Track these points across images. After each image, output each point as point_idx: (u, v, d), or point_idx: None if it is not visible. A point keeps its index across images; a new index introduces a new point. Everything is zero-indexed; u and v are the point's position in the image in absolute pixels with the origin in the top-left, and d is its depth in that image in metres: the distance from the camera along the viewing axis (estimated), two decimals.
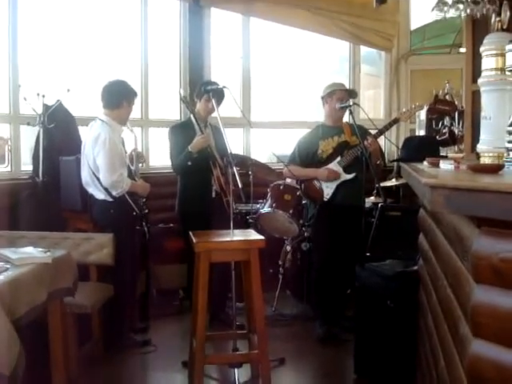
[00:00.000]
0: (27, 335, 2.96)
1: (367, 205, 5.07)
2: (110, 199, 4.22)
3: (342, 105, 4.59)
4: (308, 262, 4.97)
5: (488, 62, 2.35)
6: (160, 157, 5.79)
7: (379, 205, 4.91)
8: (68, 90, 4.77)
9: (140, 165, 4.62)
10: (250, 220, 5.04)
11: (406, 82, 6.84)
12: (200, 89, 4.74)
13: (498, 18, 2.57)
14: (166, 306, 5.24)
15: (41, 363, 3.41)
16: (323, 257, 4.62)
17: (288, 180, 5.08)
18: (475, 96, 3.60)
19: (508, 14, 2.74)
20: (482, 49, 2.37)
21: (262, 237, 3.59)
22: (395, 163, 5.67)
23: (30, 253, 3.38)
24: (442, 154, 4.10)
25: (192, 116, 4.66)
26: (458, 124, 4.71)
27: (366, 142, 4.42)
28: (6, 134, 4.85)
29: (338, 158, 4.63)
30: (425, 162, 2.77)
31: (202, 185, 4.66)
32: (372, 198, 5.47)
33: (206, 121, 4.81)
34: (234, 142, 6.12)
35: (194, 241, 3.43)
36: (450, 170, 2.29)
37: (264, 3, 6.25)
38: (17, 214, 4.61)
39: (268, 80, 6.82)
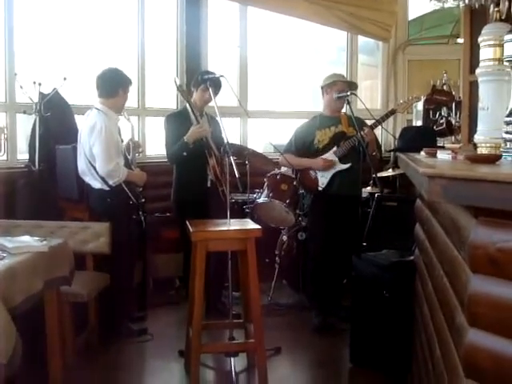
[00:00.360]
0: (24, 324, 2.97)
1: (364, 195, 5.08)
2: (107, 188, 4.21)
3: (340, 94, 4.58)
4: (304, 251, 4.98)
5: (486, 53, 2.34)
6: (157, 146, 5.77)
7: (376, 195, 4.92)
8: (64, 79, 4.75)
9: (137, 154, 4.61)
10: (247, 210, 5.05)
11: (403, 73, 6.82)
12: (197, 78, 4.72)
13: (496, 8, 2.55)
14: (163, 295, 5.25)
15: (37, 352, 3.42)
16: (319, 247, 4.63)
17: (284, 169, 5.07)
18: (472, 86, 3.59)
19: (507, 4, 2.73)
20: (479, 39, 2.37)
21: (258, 226, 3.59)
22: (392, 153, 5.67)
23: (27, 241, 3.37)
24: (439, 144, 4.11)
25: (188, 105, 4.64)
26: (455, 114, 4.72)
27: (362, 133, 4.42)
28: (2, 123, 4.83)
29: (334, 148, 4.63)
30: (422, 152, 2.77)
31: (198, 174, 4.65)
32: (369, 188, 5.47)
33: (202, 110, 4.79)
34: (231, 132, 6.10)
35: (191, 230, 3.44)
36: (447, 160, 2.29)
37: None
38: (13, 202, 4.59)
39: (265, 69, 6.80)
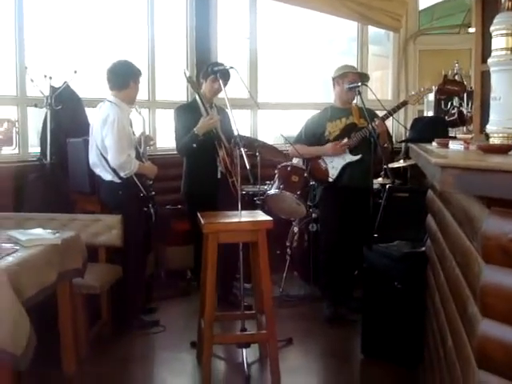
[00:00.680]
0: (37, 316, 2.99)
1: (375, 186, 5.07)
2: (118, 180, 4.22)
3: (351, 85, 4.56)
4: (315, 243, 4.98)
5: (498, 42, 2.32)
6: (167, 138, 5.78)
7: (387, 186, 4.90)
8: (75, 72, 4.76)
9: (148, 147, 4.62)
10: (258, 201, 5.05)
11: (414, 63, 6.79)
12: (206, 69, 4.72)
13: None
14: (174, 287, 5.27)
15: (51, 343, 3.44)
16: (331, 238, 4.62)
17: (295, 161, 5.07)
18: (484, 76, 3.56)
19: None
20: (492, 28, 2.35)
21: (269, 218, 3.59)
22: (403, 144, 5.64)
23: (39, 234, 3.40)
24: (450, 134, 4.08)
25: (197, 96, 4.64)
26: (467, 105, 4.69)
27: (373, 124, 4.40)
28: (14, 116, 4.86)
29: (345, 140, 4.61)
30: (434, 143, 2.75)
31: (208, 166, 4.65)
32: (380, 179, 5.45)
33: (212, 102, 4.79)
34: (241, 124, 6.10)
35: (202, 222, 3.44)
36: (459, 151, 2.28)
37: None
38: (25, 196, 4.62)
39: (275, 61, 6.78)
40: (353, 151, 4.60)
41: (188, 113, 4.68)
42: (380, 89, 7.02)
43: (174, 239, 5.40)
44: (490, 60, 2.34)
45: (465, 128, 4.55)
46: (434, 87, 4.99)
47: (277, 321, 3.55)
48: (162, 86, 6.04)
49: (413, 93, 4.80)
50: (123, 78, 4.33)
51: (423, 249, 3.51)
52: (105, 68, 4.36)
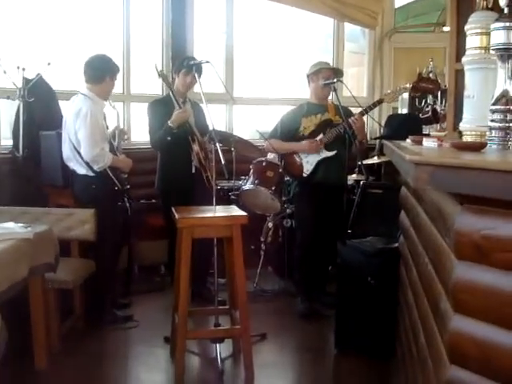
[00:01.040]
0: (8, 311, 2.95)
1: (349, 182, 5.09)
2: (92, 174, 4.19)
3: (326, 81, 4.58)
4: (290, 238, 4.99)
5: (472, 41, 2.35)
6: (142, 132, 5.74)
7: (361, 182, 4.93)
8: (48, 64, 4.69)
9: (122, 141, 4.58)
10: (232, 196, 5.04)
11: (389, 60, 6.83)
12: (179, 64, 4.70)
13: None
14: (148, 282, 5.25)
15: (22, 339, 3.41)
16: (306, 234, 4.64)
17: (270, 157, 5.07)
18: (458, 75, 3.59)
19: None
20: (466, 27, 2.38)
21: (244, 213, 3.59)
22: (377, 141, 5.68)
23: (11, 228, 3.36)
24: (424, 132, 4.12)
25: (170, 91, 4.62)
26: (441, 102, 4.74)
27: (352, 118, 4.43)
28: None
29: (321, 136, 4.63)
30: (408, 140, 2.78)
31: (182, 160, 4.63)
32: (354, 175, 5.48)
33: (186, 96, 4.77)
34: (217, 118, 6.07)
35: (177, 216, 3.43)
36: (433, 148, 2.31)
37: None
38: None
39: (252, 56, 6.77)
40: (328, 147, 4.62)
41: (162, 107, 4.65)
42: (356, 86, 7.05)
43: (148, 234, 5.38)
44: (464, 58, 2.37)
45: (438, 125, 4.60)
46: (408, 85, 5.03)
47: (251, 316, 3.56)
48: (137, 80, 5.99)
49: (389, 91, 4.83)
50: (100, 72, 4.29)
51: (396, 245, 3.54)
52: (79, 60, 4.32)
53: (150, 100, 4.91)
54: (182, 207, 3.69)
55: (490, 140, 2.13)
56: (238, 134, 5.22)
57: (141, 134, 5.81)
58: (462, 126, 2.37)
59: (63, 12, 5.32)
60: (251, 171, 5.00)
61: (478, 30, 2.31)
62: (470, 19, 2.36)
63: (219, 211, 3.63)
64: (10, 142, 4.80)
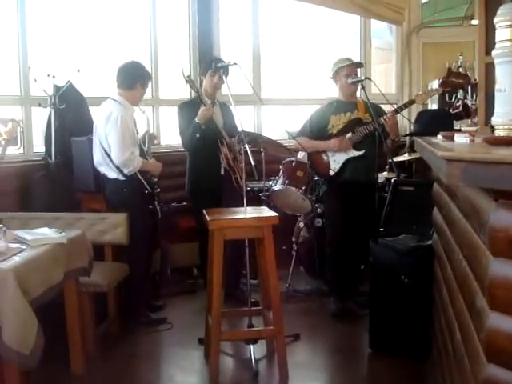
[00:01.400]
0: (45, 315, 3.00)
1: (380, 180, 5.05)
2: (122, 178, 4.23)
3: (354, 79, 4.57)
4: (321, 238, 4.97)
5: (502, 34, 2.30)
6: (171, 136, 5.78)
7: (392, 180, 4.88)
8: (78, 71, 4.77)
9: (152, 146, 4.62)
10: (263, 197, 5.04)
11: (417, 56, 6.76)
12: (206, 65, 4.73)
13: None
14: (181, 284, 5.27)
15: (58, 343, 3.45)
16: (337, 233, 4.62)
17: (300, 156, 5.05)
18: (488, 68, 3.54)
19: None
20: (495, 20, 2.33)
21: (275, 213, 3.58)
22: (408, 138, 5.62)
23: (45, 233, 3.40)
24: (455, 127, 4.07)
25: (197, 95, 4.64)
26: (472, 97, 4.67)
27: (384, 117, 4.42)
28: (18, 116, 4.86)
29: (349, 134, 4.61)
30: (439, 136, 2.74)
31: (211, 162, 4.66)
32: (385, 173, 5.44)
33: (214, 97, 4.79)
34: (245, 120, 6.08)
35: (208, 218, 3.44)
36: (465, 144, 2.27)
37: None
38: (30, 195, 4.63)
39: (278, 56, 6.77)
40: (356, 146, 4.60)
41: (190, 108, 4.68)
42: (384, 82, 6.99)
43: (179, 236, 5.41)
44: (493, 52, 2.32)
45: (470, 120, 4.54)
46: (438, 80, 4.97)
47: (284, 316, 3.55)
48: (166, 84, 6.03)
49: (420, 92, 4.80)
50: (131, 78, 4.35)
51: (429, 242, 3.50)
52: (108, 66, 4.37)
53: (178, 103, 4.94)
54: (213, 209, 3.70)
55: None
56: (266, 135, 5.22)
57: (170, 138, 5.86)
58: (494, 120, 2.32)
59: (91, 19, 5.39)
60: (281, 171, 4.99)
61: (508, 23, 2.25)
62: (498, 12, 2.32)
63: (250, 212, 3.63)
64: (43, 149, 4.88)
